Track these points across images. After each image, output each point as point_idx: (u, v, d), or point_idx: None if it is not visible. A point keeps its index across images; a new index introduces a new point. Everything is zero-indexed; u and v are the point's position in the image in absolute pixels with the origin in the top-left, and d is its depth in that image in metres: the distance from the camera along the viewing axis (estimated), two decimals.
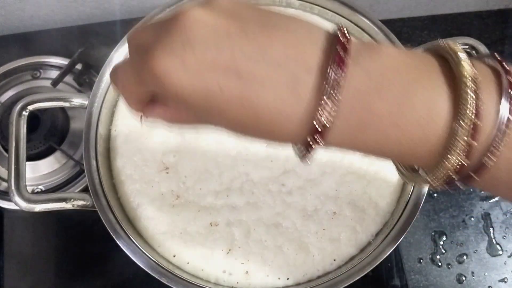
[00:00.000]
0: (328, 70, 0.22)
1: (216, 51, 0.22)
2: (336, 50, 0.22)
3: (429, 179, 0.25)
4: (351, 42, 0.23)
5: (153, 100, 0.27)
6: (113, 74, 0.27)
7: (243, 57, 0.22)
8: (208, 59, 0.22)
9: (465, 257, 0.60)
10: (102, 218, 0.45)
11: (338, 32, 0.23)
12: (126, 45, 0.54)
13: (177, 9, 0.25)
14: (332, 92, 0.22)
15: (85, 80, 0.66)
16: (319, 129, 0.22)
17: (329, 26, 0.25)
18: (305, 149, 0.24)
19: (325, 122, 0.22)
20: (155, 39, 0.23)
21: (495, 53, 0.25)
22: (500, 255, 0.60)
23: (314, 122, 0.22)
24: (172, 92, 0.23)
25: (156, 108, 0.28)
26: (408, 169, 0.29)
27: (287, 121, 0.23)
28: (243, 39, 0.22)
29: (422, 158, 0.24)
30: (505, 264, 0.60)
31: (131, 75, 0.25)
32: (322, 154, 0.49)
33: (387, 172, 0.48)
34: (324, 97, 0.22)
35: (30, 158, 0.61)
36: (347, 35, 0.23)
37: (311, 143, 0.23)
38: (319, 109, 0.22)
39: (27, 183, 0.47)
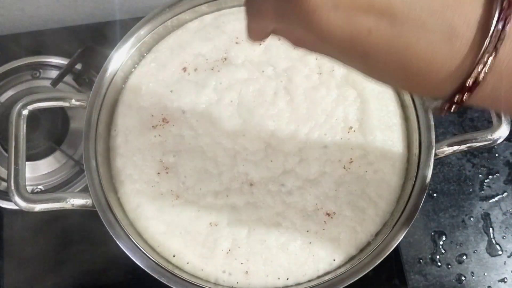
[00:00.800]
0: (492, 27, 0.20)
1: None
2: (503, 5, 0.21)
3: None
4: None
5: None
6: (250, 2, 0.26)
7: (397, 0, 0.21)
8: (360, 0, 0.21)
9: (464, 257, 0.60)
10: (102, 218, 0.45)
11: None
12: (126, 45, 0.55)
13: None
14: (492, 49, 0.20)
15: (84, 80, 0.66)
16: (469, 86, 0.21)
17: None
18: (447, 104, 0.23)
19: (479, 80, 0.21)
20: None
21: None
22: (499, 255, 0.60)
23: (468, 79, 0.21)
24: (318, 29, 0.22)
25: (281, 31, 0.26)
26: None
27: (436, 73, 0.22)
28: None
29: None
30: (504, 264, 0.60)
31: (272, 5, 0.24)
32: (321, 155, 0.49)
33: (386, 172, 0.48)
34: (484, 55, 0.20)
35: (30, 158, 0.61)
36: None
37: (456, 99, 0.22)
38: (476, 66, 0.21)
39: (26, 183, 0.47)
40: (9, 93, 0.67)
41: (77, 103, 0.50)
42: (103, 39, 0.67)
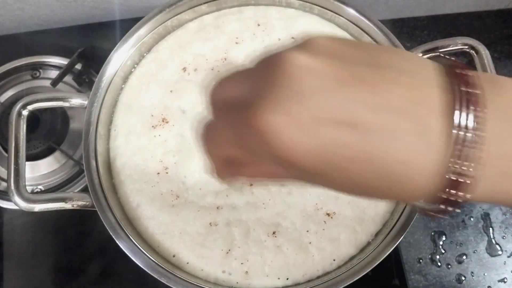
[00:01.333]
0: (459, 112, 0.19)
1: (328, 103, 0.19)
2: (462, 89, 0.19)
3: None
4: (474, 77, 0.20)
5: (237, 159, 0.24)
6: (203, 135, 0.24)
7: (360, 106, 0.19)
8: (322, 113, 0.19)
9: (464, 257, 0.60)
10: (101, 218, 0.45)
11: (456, 66, 0.21)
12: (126, 45, 0.55)
13: (267, 53, 0.21)
14: (468, 136, 0.19)
15: (84, 80, 0.66)
16: (457, 181, 0.19)
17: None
18: (439, 205, 0.21)
19: (465, 173, 0.19)
20: (253, 92, 0.20)
21: None
22: (499, 255, 0.60)
23: (451, 174, 0.19)
24: (282, 153, 0.20)
25: (246, 169, 0.24)
26: None
27: (418, 174, 0.20)
28: (355, 86, 0.19)
29: None
30: (504, 264, 0.60)
31: (226, 135, 0.22)
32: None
33: None
34: (460, 143, 0.19)
35: (30, 158, 0.61)
36: (465, 69, 0.20)
37: (445, 197, 0.20)
38: (455, 157, 0.19)
39: (26, 183, 0.47)
40: (9, 93, 0.67)
41: (77, 103, 0.50)
42: (103, 39, 0.67)
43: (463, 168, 0.19)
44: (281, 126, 0.19)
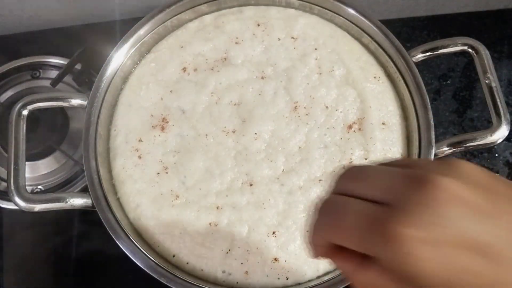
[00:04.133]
0: None
1: (468, 231, 0.20)
2: None
3: None
4: None
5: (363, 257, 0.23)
6: (330, 204, 0.25)
7: (497, 238, 0.21)
8: (460, 238, 0.20)
9: None
10: (101, 218, 0.45)
11: None
12: (126, 45, 0.54)
13: (421, 172, 0.23)
14: None
15: (84, 80, 0.66)
16: None
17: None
18: None
19: None
20: (399, 202, 0.22)
21: None
22: None
23: None
24: (411, 267, 0.20)
25: (370, 271, 0.23)
26: None
27: None
28: (496, 219, 0.21)
29: None
30: None
31: (357, 221, 0.23)
32: (320, 154, 0.49)
33: None
34: None
35: (30, 158, 0.61)
36: None
37: None
38: None
39: (26, 183, 0.47)
40: (9, 93, 0.67)
41: (77, 103, 0.50)
42: (103, 39, 0.67)
43: None
44: (417, 240, 0.20)
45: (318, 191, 0.48)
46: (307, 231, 0.46)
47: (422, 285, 0.21)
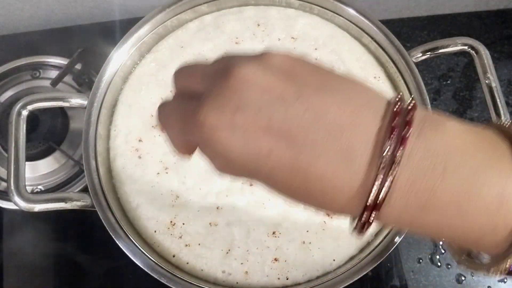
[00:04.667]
0: (386, 144, 0.21)
1: (267, 115, 0.21)
2: (396, 123, 0.21)
3: (491, 269, 0.23)
4: (415, 114, 0.22)
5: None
6: (160, 112, 0.27)
7: (295, 122, 0.21)
8: (258, 122, 0.21)
9: None
10: (101, 218, 0.45)
11: (399, 103, 0.22)
12: (126, 45, 0.54)
13: (228, 58, 0.25)
14: (390, 167, 0.20)
15: (84, 80, 0.66)
16: (374, 205, 0.21)
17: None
18: (359, 223, 0.22)
19: (380, 199, 0.21)
20: (204, 91, 0.23)
21: None
22: None
23: (369, 198, 0.21)
24: (218, 149, 0.22)
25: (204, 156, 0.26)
26: (464, 253, 0.26)
27: (339, 193, 0.22)
28: (297, 103, 0.21)
29: (487, 246, 0.22)
30: None
31: (177, 120, 0.25)
32: None
33: None
34: (381, 172, 0.20)
35: (30, 158, 0.61)
36: (410, 105, 0.22)
37: (364, 218, 0.22)
38: (375, 184, 0.21)
39: (26, 183, 0.47)
40: (9, 93, 0.67)
41: (77, 103, 0.50)
42: (103, 39, 0.67)
43: (378, 195, 0.21)
44: (219, 125, 0.21)
45: None
46: (307, 231, 0.46)
47: (233, 164, 0.23)
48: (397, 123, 0.21)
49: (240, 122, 0.21)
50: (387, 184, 0.21)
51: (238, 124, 0.21)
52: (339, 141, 0.21)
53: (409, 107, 0.22)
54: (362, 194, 0.21)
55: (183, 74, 0.26)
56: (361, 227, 0.23)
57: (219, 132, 0.21)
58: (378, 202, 0.21)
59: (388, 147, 0.21)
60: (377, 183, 0.21)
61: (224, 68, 0.23)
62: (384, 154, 0.21)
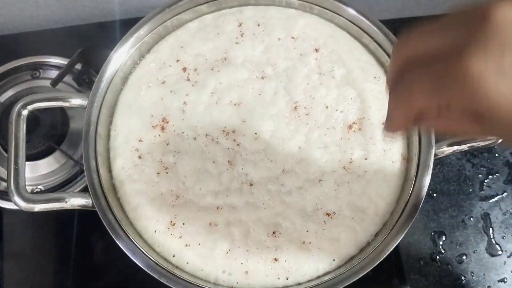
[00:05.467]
0: None
1: None
2: None
3: None
4: None
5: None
6: (393, 90, 0.26)
7: None
8: None
9: (464, 257, 0.60)
10: (101, 218, 0.45)
11: None
12: (126, 45, 0.54)
13: (464, 6, 0.23)
14: None
15: (84, 80, 0.66)
16: None
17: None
18: None
19: None
20: (457, 42, 0.22)
21: None
22: (499, 255, 0.60)
23: None
24: (485, 99, 0.21)
25: (435, 121, 0.25)
26: None
27: None
28: None
29: None
30: (504, 264, 0.60)
31: (422, 88, 0.23)
32: (321, 154, 0.49)
33: (386, 172, 0.48)
34: None
35: (30, 158, 0.61)
36: None
37: None
38: None
39: (26, 183, 0.47)
40: (9, 93, 0.67)
41: (77, 103, 0.50)
42: (103, 39, 0.67)
43: None
44: (487, 71, 0.20)
45: (317, 191, 0.48)
46: (307, 231, 0.46)
47: (500, 116, 0.21)
48: None
49: (508, 65, 0.20)
50: None
51: (507, 68, 0.20)
52: None
53: None
54: None
55: (410, 43, 0.25)
56: None
57: (487, 77, 0.20)
58: None
59: None
60: None
61: (473, 15, 0.22)
62: None
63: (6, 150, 0.62)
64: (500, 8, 0.21)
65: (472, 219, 0.62)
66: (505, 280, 0.59)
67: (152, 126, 0.51)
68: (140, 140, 0.50)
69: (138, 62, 0.55)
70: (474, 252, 0.60)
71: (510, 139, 0.23)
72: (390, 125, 0.27)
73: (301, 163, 0.49)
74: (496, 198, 0.63)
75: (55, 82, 0.64)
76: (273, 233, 0.46)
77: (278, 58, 0.53)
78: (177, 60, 0.54)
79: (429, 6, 0.75)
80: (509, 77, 0.20)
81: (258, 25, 0.55)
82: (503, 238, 0.61)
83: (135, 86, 0.53)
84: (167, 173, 0.49)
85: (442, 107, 0.24)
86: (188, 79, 0.53)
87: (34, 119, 0.61)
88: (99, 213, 0.46)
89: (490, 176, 0.64)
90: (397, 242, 0.44)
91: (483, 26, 0.21)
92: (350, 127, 0.50)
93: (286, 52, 0.53)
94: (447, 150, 0.47)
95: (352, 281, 0.43)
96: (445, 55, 0.22)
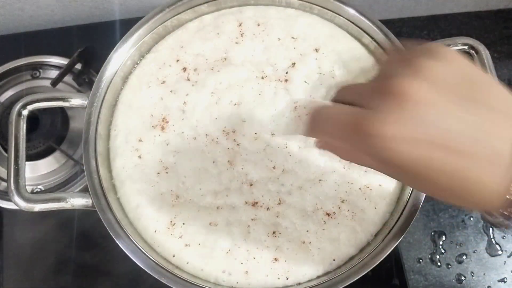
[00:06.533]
0: None
1: (435, 128, 0.25)
2: None
3: None
4: None
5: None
6: (319, 114, 0.30)
7: (456, 134, 0.25)
8: (428, 134, 0.25)
9: (464, 257, 0.60)
10: (101, 218, 0.45)
11: None
12: (126, 45, 0.55)
13: (385, 74, 0.29)
14: None
15: (84, 80, 0.66)
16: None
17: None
18: (502, 217, 0.27)
19: None
20: (375, 106, 0.26)
21: None
22: (499, 255, 0.60)
23: (507, 196, 0.26)
24: (387, 155, 0.26)
25: (342, 152, 0.33)
26: None
27: (487, 191, 0.26)
28: (457, 118, 0.25)
29: None
30: (504, 264, 0.60)
31: (342, 124, 0.28)
32: (321, 154, 0.49)
33: None
34: None
35: (30, 158, 0.61)
36: None
37: (505, 213, 0.27)
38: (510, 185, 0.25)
39: (26, 183, 0.47)
40: (9, 93, 0.67)
41: (77, 103, 0.50)
42: (103, 39, 0.67)
43: None
44: (394, 135, 0.25)
45: (317, 191, 0.48)
46: (307, 231, 0.46)
47: (399, 168, 0.26)
48: None
49: (412, 133, 0.25)
50: None
51: (410, 135, 0.25)
52: (488, 148, 0.25)
53: None
54: (503, 191, 0.26)
55: (346, 89, 0.31)
56: (505, 217, 0.27)
57: (393, 140, 0.25)
58: None
59: None
60: None
61: (390, 86, 0.26)
62: None
63: (6, 150, 0.62)
64: (415, 85, 0.26)
65: (472, 219, 0.62)
66: (505, 280, 0.59)
67: (152, 126, 0.51)
68: (140, 140, 0.50)
69: (138, 62, 0.55)
70: (474, 252, 0.60)
71: (405, 182, 0.31)
72: (310, 133, 0.32)
73: (301, 163, 0.49)
74: None
75: (55, 82, 0.64)
76: (273, 233, 0.46)
77: (278, 58, 0.53)
78: (177, 60, 0.54)
79: (429, 6, 0.75)
80: (411, 142, 0.25)
81: (258, 25, 0.55)
82: (503, 238, 0.61)
83: (135, 86, 0.53)
84: (167, 173, 0.49)
85: (347, 147, 0.31)
86: (188, 79, 0.53)
87: (34, 119, 0.61)
88: (99, 213, 0.46)
89: None
90: (397, 242, 0.44)
91: (398, 101, 0.26)
92: None
93: (286, 52, 0.53)
94: None
95: (352, 281, 0.43)
96: (360, 113, 0.27)
